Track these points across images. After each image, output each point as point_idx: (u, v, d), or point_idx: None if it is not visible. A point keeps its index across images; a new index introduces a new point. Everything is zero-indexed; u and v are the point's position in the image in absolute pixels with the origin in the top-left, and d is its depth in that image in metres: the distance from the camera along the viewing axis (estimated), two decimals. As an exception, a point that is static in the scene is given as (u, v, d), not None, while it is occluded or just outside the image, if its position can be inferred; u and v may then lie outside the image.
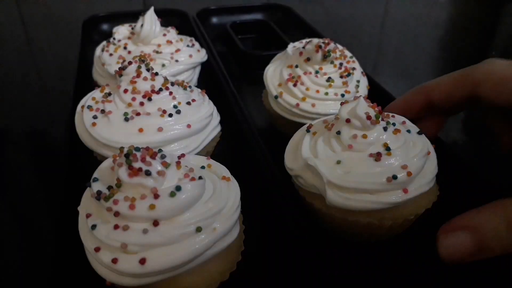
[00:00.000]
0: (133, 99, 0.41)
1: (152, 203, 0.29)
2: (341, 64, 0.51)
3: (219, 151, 0.48)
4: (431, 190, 0.38)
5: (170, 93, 0.43)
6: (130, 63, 0.44)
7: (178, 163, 0.32)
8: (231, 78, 0.61)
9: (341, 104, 0.39)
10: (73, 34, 0.76)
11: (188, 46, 0.61)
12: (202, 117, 0.43)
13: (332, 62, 0.50)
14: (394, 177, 0.34)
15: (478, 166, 0.53)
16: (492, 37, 0.96)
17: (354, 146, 0.36)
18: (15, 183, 0.48)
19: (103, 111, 0.42)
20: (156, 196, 0.29)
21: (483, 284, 0.37)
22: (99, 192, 0.30)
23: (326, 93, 0.49)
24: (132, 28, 0.60)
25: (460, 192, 0.45)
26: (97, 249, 0.29)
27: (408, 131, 0.39)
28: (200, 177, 0.32)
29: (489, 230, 0.29)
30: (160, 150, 0.32)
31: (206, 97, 0.47)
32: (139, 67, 0.43)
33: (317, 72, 0.50)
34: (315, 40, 0.51)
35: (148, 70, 0.43)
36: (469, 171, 0.44)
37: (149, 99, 0.41)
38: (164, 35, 0.59)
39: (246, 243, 0.37)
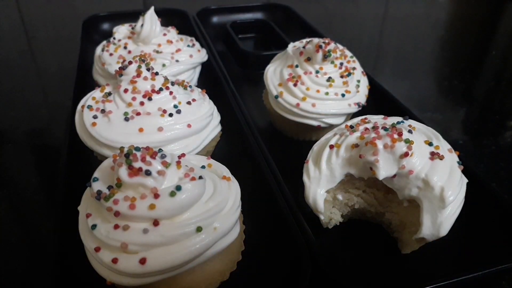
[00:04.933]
0: (133, 98, 0.41)
1: (152, 203, 0.29)
2: (341, 64, 0.51)
3: (219, 151, 0.48)
4: None
5: (171, 92, 0.43)
6: (130, 62, 0.44)
7: (178, 163, 0.32)
8: (231, 78, 0.60)
9: None
10: (73, 34, 0.76)
11: (188, 46, 0.61)
12: (203, 117, 0.43)
13: (332, 62, 0.50)
14: None
15: (478, 166, 0.54)
16: (492, 37, 0.96)
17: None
18: (15, 183, 0.48)
19: (103, 111, 0.42)
20: (156, 196, 0.29)
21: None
22: (99, 192, 0.30)
23: (327, 93, 0.49)
24: (132, 28, 0.60)
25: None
26: (97, 249, 0.29)
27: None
28: (200, 177, 0.32)
29: None
30: (160, 150, 0.32)
31: (207, 97, 0.47)
32: (139, 66, 0.43)
33: (317, 72, 0.50)
34: (316, 40, 0.51)
35: (148, 69, 0.43)
36: (470, 173, 0.44)
37: (149, 99, 0.41)
38: (165, 34, 0.59)
39: (246, 243, 0.37)
